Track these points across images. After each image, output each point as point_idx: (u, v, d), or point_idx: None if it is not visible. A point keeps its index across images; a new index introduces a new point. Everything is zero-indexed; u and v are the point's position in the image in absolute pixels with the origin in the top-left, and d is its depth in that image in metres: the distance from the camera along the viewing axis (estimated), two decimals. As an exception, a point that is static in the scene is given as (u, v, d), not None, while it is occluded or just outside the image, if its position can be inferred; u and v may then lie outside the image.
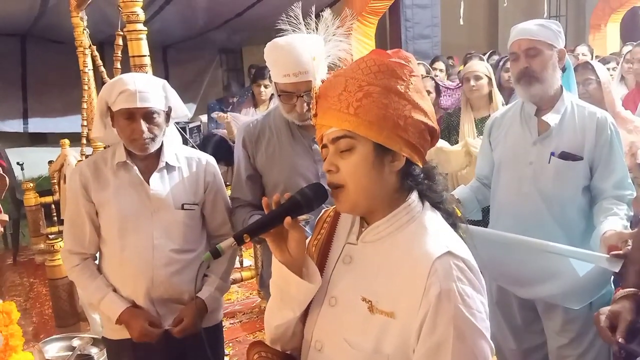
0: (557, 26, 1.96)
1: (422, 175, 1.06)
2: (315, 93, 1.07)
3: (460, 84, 3.69)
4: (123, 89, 1.69)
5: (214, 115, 4.52)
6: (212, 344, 1.94)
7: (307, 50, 1.61)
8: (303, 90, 1.69)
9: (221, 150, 4.56)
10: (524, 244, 1.82)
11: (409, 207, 1.05)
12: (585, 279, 1.79)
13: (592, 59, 4.79)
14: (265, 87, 4.37)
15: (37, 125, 7.36)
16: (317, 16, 1.63)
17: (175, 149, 1.88)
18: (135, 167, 1.79)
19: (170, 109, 1.82)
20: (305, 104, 1.70)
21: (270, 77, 4.31)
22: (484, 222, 2.35)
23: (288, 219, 1.03)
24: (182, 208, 1.82)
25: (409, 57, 1.06)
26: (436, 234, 1.02)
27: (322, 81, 1.09)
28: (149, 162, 1.81)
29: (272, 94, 4.42)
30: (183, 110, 1.90)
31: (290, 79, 1.68)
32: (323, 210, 1.23)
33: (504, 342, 2.11)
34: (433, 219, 1.05)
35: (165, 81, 1.82)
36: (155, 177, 1.80)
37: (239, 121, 4.29)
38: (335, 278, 1.10)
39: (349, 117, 1.00)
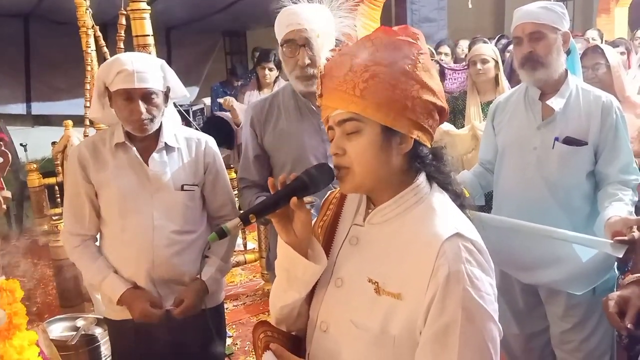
0: (561, 8, 1.91)
1: (430, 156, 1.05)
2: (320, 72, 1.04)
3: (466, 66, 3.65)
4: (121, 69, 1.67)
5: (220, 100, 4.53)
6: (214, 325, 1.95)
7: (311, 10, 1.64)
8: (305, 38, 1.69)
9: (223, 133, 4.55)
10: (528, 230, 1.81)
11: (416, 188, 1.03)
12: (588, 264, 1.79)
13: (601, 43, 4.73)
14: (270, 69, 4.35)
15: (40, 107, 7.34)
16: None
17: (174, 130, 1.87)
18: (134, 148, 1.78)
19: (168, 89, 1.80)
20: (307, 57, 1.71)
21: (274, 59, 4.32)
22: (487, 208, 2.33)
23: (294, 199, 1.02)
24: (182, 189, 1.82)
25: (417, 34, 1.02)
26: (444, 215, 1.00)
27: (327, 59, 1.07)
28: (148, 142, 1.80)
29: (277, 77, 4.40)
30: (182, 91, 1.89)
31: (293, 27, 1.70)
32: (329, 192, 1.22)
33: (506, 327, 2.07)
34: (441, 200, 1.04)
35: (163, 61, 1.80)
36: (154, 158, 1.79)
37: (243, 109, 4.27)
38: (341, 259, 1.09)
39: (355, 99, 0.97)
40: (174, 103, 2.00)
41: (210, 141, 1.91)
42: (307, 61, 1.71)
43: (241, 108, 4.24)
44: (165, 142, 1.80)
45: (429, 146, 1.04)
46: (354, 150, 1.00)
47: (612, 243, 1.61)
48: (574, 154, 1.89)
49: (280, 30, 1.75)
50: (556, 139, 1.90)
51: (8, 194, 1.42)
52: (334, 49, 1.09)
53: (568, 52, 1.97)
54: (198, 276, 1.83)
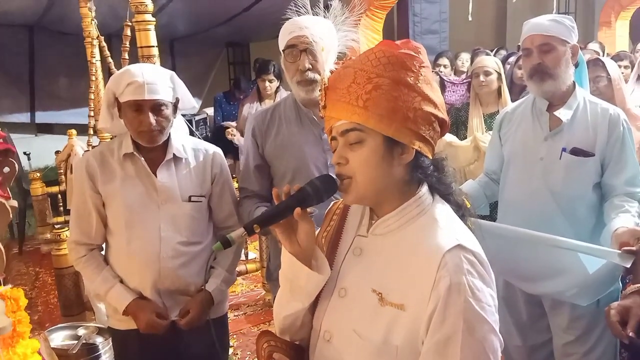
0: (570, 21, 1.94)
1: (431, 167, 1.06)
2: (324, 84, 1.06)
3: (465, 79, 3.68)
4: (131, 80, 1.68)
5: (224, 123, 4.63)
6: (218, 336, 1.94)
7: (314, 20, 1.66)
8: (306, 43, 1.71)
9: (230, 143, 4.58)
10: (534, 239, 1.80)
11: (419, 199, 1.04)
12: (594, 276, 1.78)
13: (603, 56, 4.74)
14: (270, 81, 4.38)
15: (44, 117, 7.39)
16: (326, 7, 1.63)
17: (182, 141, 1.87)
18: (142, 159, 1.79)
19: (177, 100, 1.82)
20: (307, 62, 1.73)
21: (274, 71, 4.37)
22: (491, 218, 2.33)
23: (298, 210, 1.03)
24: (189, 200, 1.82)
25: (418, 48, 1.05)
26: (446, 226, 1.01)
27: (331, 72, 1.08)
28: (156, 153, 1.80)
29: (278, 87, 4.43)
30: (190, 102, 1.90)
31: (295, 33, 1.72)
32: (333, 202, 1.23)
33: (509, 339, 2.10)
34: (443, 211, 1.05)
35: (173, 72, 1.81)
36: (162, 169, 1.79)
37: (241, 142, 4.39)
38: (345, 269, 1.10)
39: (358, 109, 0.99)
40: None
41: (217, 152, 1.92)
42: (308, 66, 1.73)
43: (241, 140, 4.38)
44: (173, 154, 1.80)
45: (430, 157, 1.06)
46: (356, 160, 1.01)
47: (620, 253, 1.61)
48: (581, 165, 1.89)
49: (283, 38, 1.77)
50: (563, 149, 1.90)
51: (15, 203, 1.43)
52: (337, 62, 1.11)
53: (576, 65, 1.98)
54: (203, 287, 1.83)
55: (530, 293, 2.02)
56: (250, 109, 4.52)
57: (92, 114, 3.58)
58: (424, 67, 1.03)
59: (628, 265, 1.60)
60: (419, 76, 1.01)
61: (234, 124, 4.78)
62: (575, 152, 1.89)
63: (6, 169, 1.41)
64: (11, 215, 1.35)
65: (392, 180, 1.03)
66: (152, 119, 1.70)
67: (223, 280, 1.88)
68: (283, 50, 1.78)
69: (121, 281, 1.81)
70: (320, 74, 1.72)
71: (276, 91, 4.45)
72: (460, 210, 1.07)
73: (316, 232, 1.15)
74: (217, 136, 4.88)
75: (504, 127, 2.13)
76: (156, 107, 1.71)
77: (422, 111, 1.01)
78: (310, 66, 1.73)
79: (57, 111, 7.26)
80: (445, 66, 5.26)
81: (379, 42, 1.07)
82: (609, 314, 1.41)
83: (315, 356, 1.11)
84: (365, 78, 1.00)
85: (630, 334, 1.34)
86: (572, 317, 1.94)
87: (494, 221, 2.13)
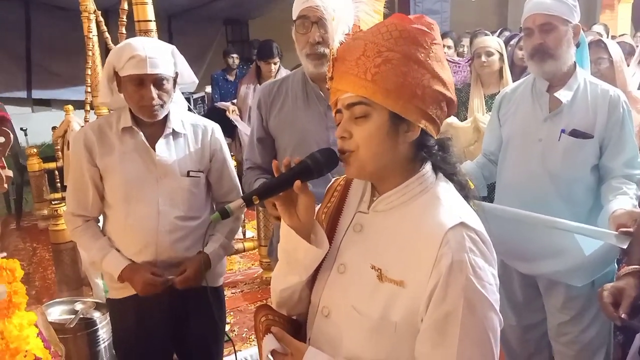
0: (572, 0, 1.91)
1: (436, 146, 1.05)
2: (333, 55, 1.04)
3: (469, 60, 3.65)
4: (133, 54, 1.66)
5: (218, 104, 4.61)
6: (214, 305, 1.95)
7: None
8: (318, 15, 1.69)
9: (225, 123, 4.57)
10: (532, 220, 1.81)
11: (422, 177, 1.03)
12: (590, 257, 1.79)
13: (607, 38, 4.69)
14: (275, 64, 4.41)
15: (41, 93, 7.33)
16: None
17: (181, 116, 1.86)
18: (141, 133, 1.77)
19: (177, 74, 1.80)
20: (317, 34, 1.71)
21: (278, 54, 4.39)
22: (489, 199, 2.33)
23: (298, 183, 1.01)
24: (188, 175, 1.82)
25: (431, 24, 1.02)
26: (449, 205, 1.00)
27: (341, 43, 1.06)
28: (155, 128, 1.79)
29: (279, 67, 4.42)
30: (191, 77, 1.88)
31: (308, 4, 1.70)
32: (334, 179, 1.22)
33: (503, 318, 2.07)
34: (446, 190, 1.04)
35: (173, 47, 1.79)
36: (161, 144, 1.79)
37: (240, 124, 4.37)
38: (344, 245, 1.09)
39: (366, 83, 0.97)
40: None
41: (216, 128, 1.91)
42: (318, 39, 1.70)
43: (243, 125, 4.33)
44: (172, 128, 1.80)
45: (435, 137, 1.04)
46: (360, 134, 1.00)
47: (617, 234, 1.62)
48: (580, 147, 1.88)
49: (297, 6, 1.75)
50: (562, 131, 1.89)
51: (10, 172, 1.42)
52: (348, 34, 1.08)
53: (577, 45, 1.96)
54: (202, 250, 1.82)
55: (526, 274, 2.03)
56: (248, 90, 4.52)
57: (89, 89, 3.54)
58: (435, 44, 1.01)
59: (624, 247, 1.60)
60: (429, 53, 0.99)
61: (228, 104, 4.77)
62: (575, 133, 1.88)
63: (1, 139, 1.39)
64: (6, 185, 1.34)
65: (396, 157, 1.02)
66: (154, 93, 1.69)
67: (221, 245, 1.88)
68: (295, 21, 1.76)
69: (117, 250, 1.81)
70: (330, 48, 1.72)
71: (277, 71, 4.46)
72: (464, 191, 1.06)
73: (317, 208, 1.14)
74: (212, 117, 4.88)
75: (503, 107, 2.11)
76: (158, 81, 1.70)
77: (430, 89, 0.99)
78: (321, 39, 1.71)
79: (53, 87, 7.20)
80: (449, 47, 5.20)
81: (392, 14, 1.04)
82: (601, 296, 1.41)
83: (314, 331, 1.11)
84: (376, 51, 0.97)
85: (623, 316, 1.34)
86: (567, 298, 1.95)
87: (492, 202, 2.13)
